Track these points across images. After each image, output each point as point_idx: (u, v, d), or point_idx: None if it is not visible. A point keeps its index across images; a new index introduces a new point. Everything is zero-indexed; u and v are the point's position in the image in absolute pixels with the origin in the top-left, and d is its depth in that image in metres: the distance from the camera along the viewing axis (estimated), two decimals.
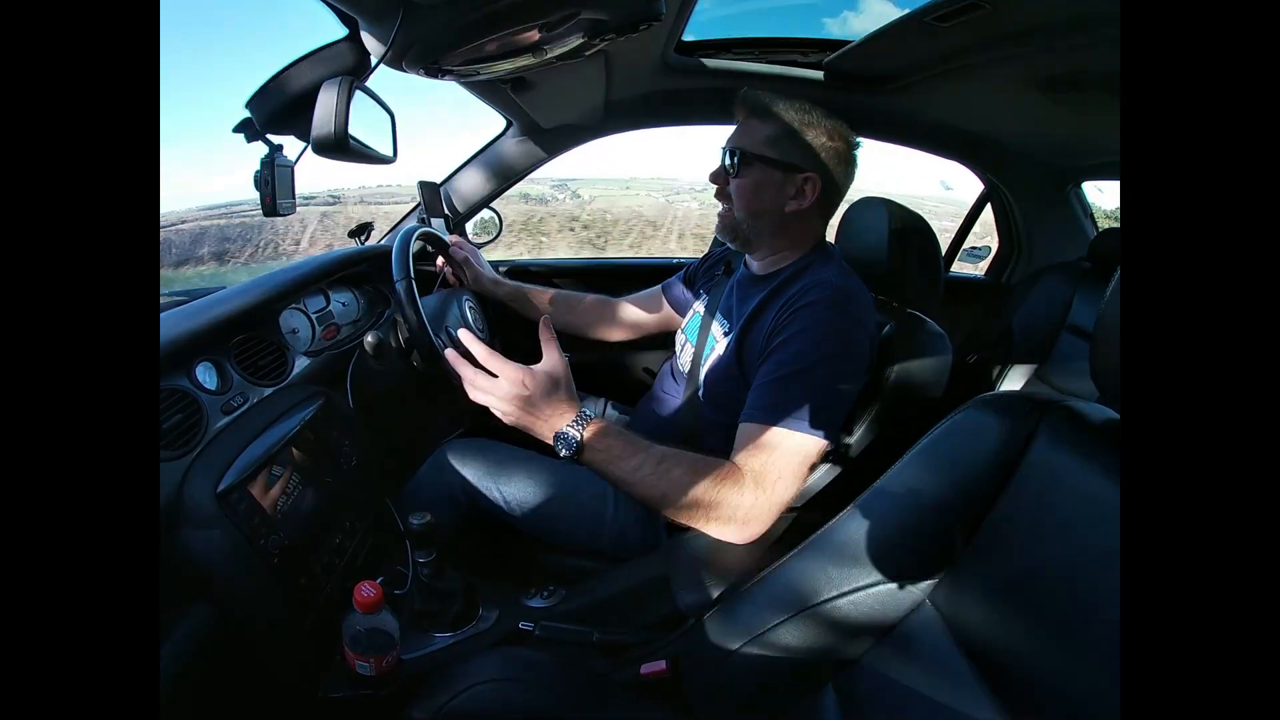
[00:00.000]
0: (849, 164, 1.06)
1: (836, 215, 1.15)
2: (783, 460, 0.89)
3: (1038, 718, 0.54)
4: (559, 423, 0.89)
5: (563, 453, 0.89)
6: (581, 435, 0.89)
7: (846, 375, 0.94)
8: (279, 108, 0.92)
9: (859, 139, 1.07)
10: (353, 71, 0.90)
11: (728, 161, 1.06)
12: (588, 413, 0.91)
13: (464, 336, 0.92)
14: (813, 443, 0.89)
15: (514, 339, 1.78)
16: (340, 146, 0.85)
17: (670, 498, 0.88)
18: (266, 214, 1.00)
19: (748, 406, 0.94)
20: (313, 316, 1.21)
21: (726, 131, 1.10)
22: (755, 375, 0.97)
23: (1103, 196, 2.15)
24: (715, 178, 1.10)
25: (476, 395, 0.91)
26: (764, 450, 0.89)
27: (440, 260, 1.47)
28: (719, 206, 1.12)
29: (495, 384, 0.90)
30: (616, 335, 1.53)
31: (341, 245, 1.59)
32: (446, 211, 1.73)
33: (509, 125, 1.67)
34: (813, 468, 0.93)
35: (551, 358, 0.92)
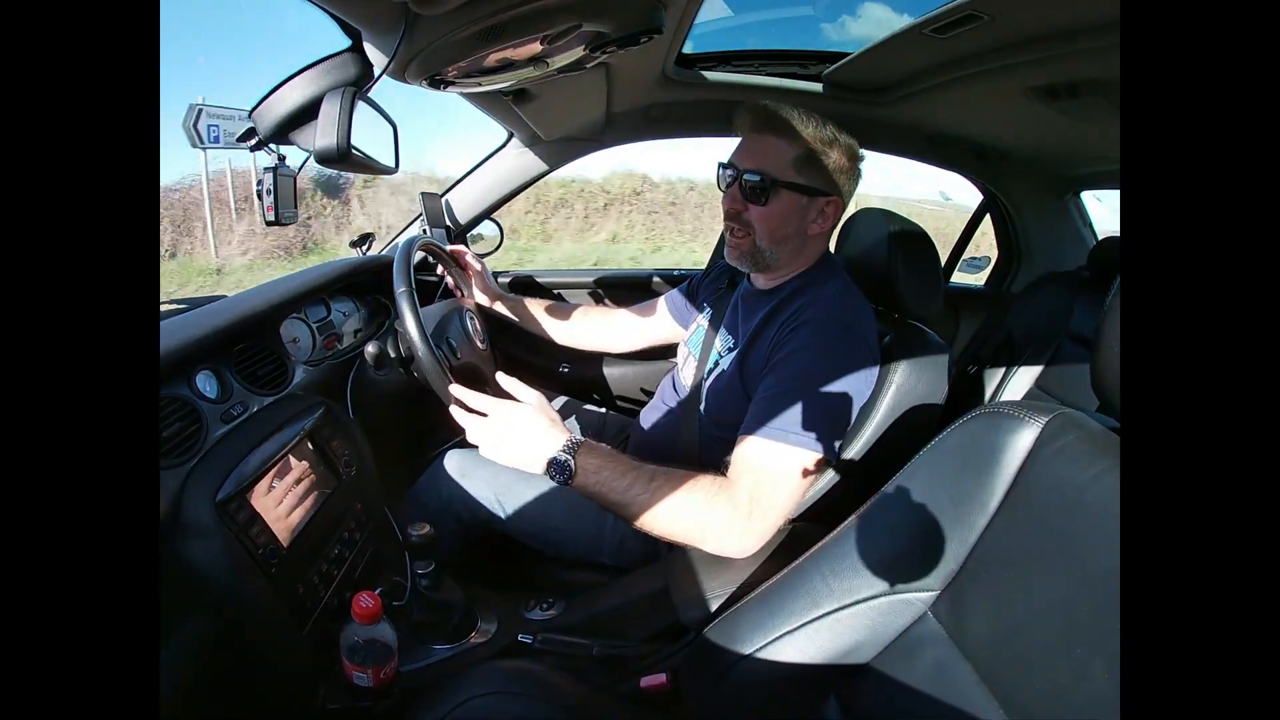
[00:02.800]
0: (857, 179, 1.06)
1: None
2: (780, 476, 0.88)
3: None
4: (549, 451, 0.87)
5: (556, 479, 0.87)
6: (573, 461, 0.87)
7: (847, 391, 0.93)
8: (282, 118, 0.92)
9: (862, 151, 1.05)
10: (355, 83, 0.91)
11: (747, 185, 1.01)
12: (576, 439, 0.89)
13: (455, 390, 0.92)
14: (811, 459, 0.89)
15: (513, 352, 1.78)
16: (343, 157, 0.86)
17: (664, 519, 0.86)
18: (268, 224, 1.00)
19: (747, 421, 0.93)
20: (314, 326, 1.21)
21: (723, 144, 1.08)
22: (756, 390, 0.97)
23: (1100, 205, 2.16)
24: (733, 203, 1.03)
25: (473, 436, 0.90)
26: (761, 466, 0.89)
27: (440, 269, 1.47)
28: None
29: (484, 423, 0.89)
30: (617, 347, 1.53)
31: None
32: (448, 222, 1.74)
33: (510, 137, 1.68)
34: (811, 481, 0.92)
35: (526, 394, 0.93)
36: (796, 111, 1.00)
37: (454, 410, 0.91)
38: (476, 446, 0.90)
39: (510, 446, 0.88)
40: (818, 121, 1.00)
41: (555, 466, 0.87)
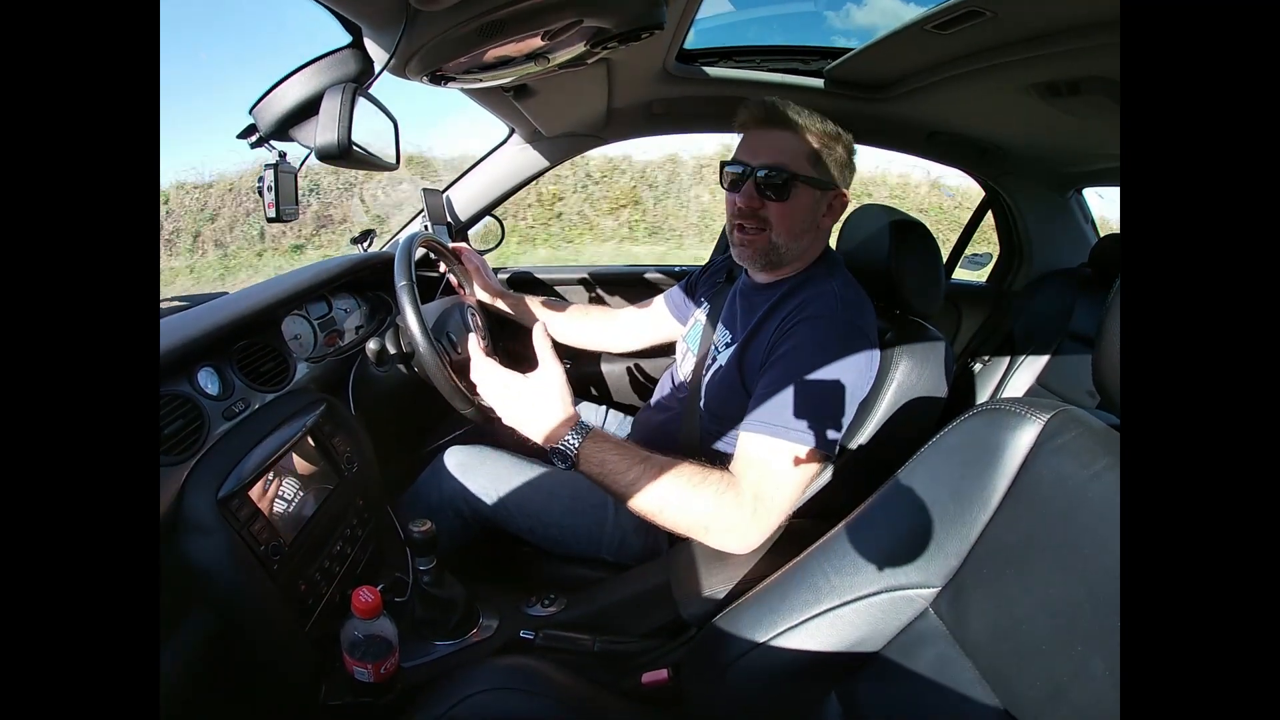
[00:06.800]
0: (853, 171, 1.06)
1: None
2: (781, 473, 0.88)
3: None
4: (555, 434, 0.88)
5: (559, 464, 0.89)
6: (578, 447, 0.88)
7: (848, 387, 0.93)
8: (283, 114, 0.92)
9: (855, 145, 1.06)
10: (356, 79, 0.91)
11: (763, 181, 0.99)
12: (585, 424, 0.90)
13: (481, 361, 0.95)
14: (812, 455, 0.89)
15: (515, 349, 1.78)
16: (344, 154, 0.86)
17: (667, 510, 0.87)
18: (269, 220, 1.00)
19: (748, 418, 0.93)
20: (315, 323, 1.21)
21: (723, 139, 1.08)
22: (756, 386, 0.97)
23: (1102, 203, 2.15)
24: (749, 200, 1.00)
25: (490, 402, 0.93)
26: (763, 462, 0.89)
27: (443, 267, 1.47)
28: None
29: (501, 394, 0.92)
30: (618, 346, 1.53)
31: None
32: (449, 219, 1.74)
33: (511, 133, 1.68)
34: (813, 477, 0.92)
35: (548, 367, 0.91)
36: (801, 109, 1.00)
37: (476, 374, 0.95)
38: (477, 443, 0.90)
39: (521, 421, 0.91)
40: (819, 116, 1.01)
41: (558, 452, 0.88)
